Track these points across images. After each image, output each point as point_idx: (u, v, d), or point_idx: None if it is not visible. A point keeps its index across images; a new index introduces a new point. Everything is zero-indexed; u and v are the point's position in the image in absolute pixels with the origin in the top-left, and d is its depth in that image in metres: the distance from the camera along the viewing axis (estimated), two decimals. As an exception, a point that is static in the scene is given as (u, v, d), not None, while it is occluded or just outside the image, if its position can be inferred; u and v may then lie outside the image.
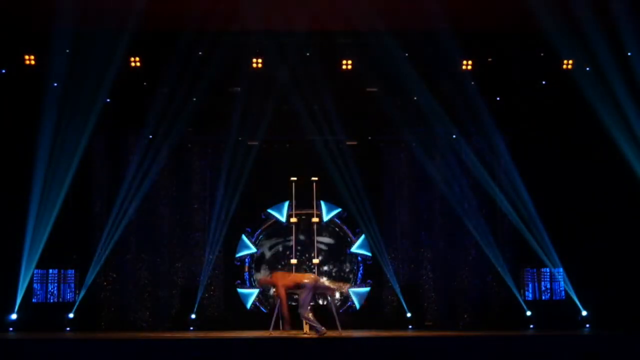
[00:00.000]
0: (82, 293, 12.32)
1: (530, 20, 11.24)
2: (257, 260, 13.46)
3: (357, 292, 13.40)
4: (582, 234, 12.37)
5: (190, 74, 12.08)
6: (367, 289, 13.41)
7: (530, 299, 12.85)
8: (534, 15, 11.10)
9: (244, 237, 13.47)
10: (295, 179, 12.13)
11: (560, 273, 12.70)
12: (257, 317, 12.77)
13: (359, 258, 13.55)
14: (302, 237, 13.23)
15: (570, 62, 12.07)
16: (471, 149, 13.02)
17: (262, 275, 13.17)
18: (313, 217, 12.26)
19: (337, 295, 12.84)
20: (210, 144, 13.43)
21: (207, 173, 13.36)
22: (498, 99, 12.79)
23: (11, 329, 11.59)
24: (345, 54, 12.32)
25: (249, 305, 13.17)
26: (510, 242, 12.91)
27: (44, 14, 11.16)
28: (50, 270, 12.55)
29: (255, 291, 13.24)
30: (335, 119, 12.73)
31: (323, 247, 13.50)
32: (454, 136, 13.12)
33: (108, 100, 12.27)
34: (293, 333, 10.20)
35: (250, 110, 12.69)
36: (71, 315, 12.15)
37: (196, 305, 12.62)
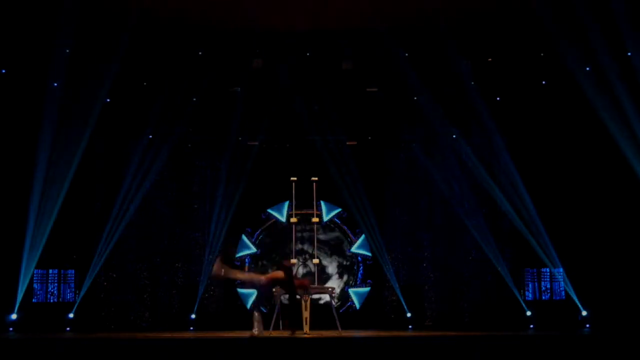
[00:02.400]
0: (82, 293, 12.33)
1: (530, 20, 11.25)
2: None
3: (357, 292, 13.40)
4: (582, 234, 12.36)
5: (191, 74, 12.08)
6: (367, 289, 13.41)
7: (530, 299, 12.86)
8: (534, 15, 11.11)
9: (244, 237, 13.48)
10: (295, 179, 12.14)
11: (560, 273, 12.70)
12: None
13: (359, 258, 13.55)
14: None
15: (570, 62, 12.06)
16: (471, 149, 13.03)
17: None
18: (313, 217, 12.27)
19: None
20: (210, 144, 13.44)
21: (207, 173, 13.37)
22: (498, 99, 12.79)
23: (11, 329, 11.59)
24: (345, 54, 12.33)
25: (249, 305, 13.18)
26: (510, 242, 12.91)
27: (44, 13, 11.17)
28: (50, 270, 12.57)
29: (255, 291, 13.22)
30: (335, 119, 12.73)
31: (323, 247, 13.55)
32: (454, 136, 13.13)
33: (108, 100, 12.28)
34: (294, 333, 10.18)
35: (250, 110, 12.69)
36: (71, 315, 12.16)
37: (196, 305, 12.63)
